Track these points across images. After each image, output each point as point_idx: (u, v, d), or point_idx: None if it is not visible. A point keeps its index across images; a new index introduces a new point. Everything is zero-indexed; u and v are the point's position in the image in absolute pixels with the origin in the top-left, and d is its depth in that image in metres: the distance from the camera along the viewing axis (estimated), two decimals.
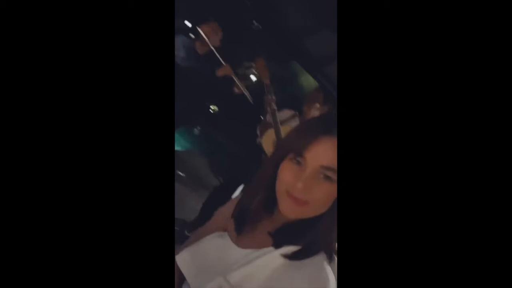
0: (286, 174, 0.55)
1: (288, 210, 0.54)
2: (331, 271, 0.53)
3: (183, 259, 0.62)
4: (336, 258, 0.56)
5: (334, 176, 0.51)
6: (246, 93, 2.16)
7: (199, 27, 1.95)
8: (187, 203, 2.44)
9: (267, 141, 2.11)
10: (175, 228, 2.17)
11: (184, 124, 3.02)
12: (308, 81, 2.86)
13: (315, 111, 2.15)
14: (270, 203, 0.59)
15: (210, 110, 3.11)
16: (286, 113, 2.17)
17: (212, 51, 1.97)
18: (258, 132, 2.23)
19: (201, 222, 2.21)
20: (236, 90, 2.22)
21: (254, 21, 2.77)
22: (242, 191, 0.68)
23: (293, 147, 0.55)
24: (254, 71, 2.22)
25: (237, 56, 2.32)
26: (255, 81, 2.45)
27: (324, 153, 0.51)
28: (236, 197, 0.71)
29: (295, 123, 2.18)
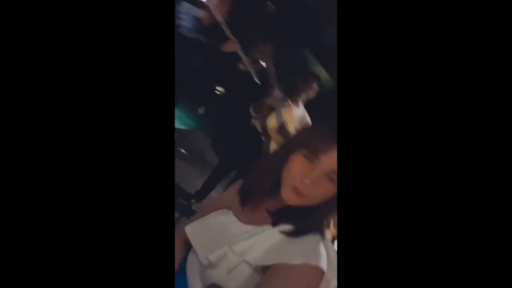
0: (296, 167, 0.58)
1: (289, 197, 0.58)
2: (323, 248, 0.58)
3: (191, 231, 0.66)
4: (328, 237, 0.62)
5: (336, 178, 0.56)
6: (252, 71, 2.04)
7: None
8: (188, 179, 2.48)
9: (271, 123, 2.07)
10: (181, 200, 2.21)
11: (189, 101, 3.00)
12: (316, 70, 2.84)
13: (310, 94, 2.14)
14: (274, 186, 0.63)
15: (216, 91, 3.09)
16: (278, 95, 2.13)
17: (218, 23, 1.79)
18: (252, 112, 2.12)
19: (200, 198, 2.26)
20: (241, 66, 2.08)
21: (268, 1, 2.70)
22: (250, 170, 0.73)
23: (309, 144, 0.58)
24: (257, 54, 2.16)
25: (245, 32, 2.22)
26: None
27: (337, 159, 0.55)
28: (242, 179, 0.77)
29: (287, 103, 2.13)
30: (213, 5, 1.71)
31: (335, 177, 0.55)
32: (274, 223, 0.62)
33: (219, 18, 1.74)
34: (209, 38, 1.85)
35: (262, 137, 2.11)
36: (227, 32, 1.85)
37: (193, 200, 2.16)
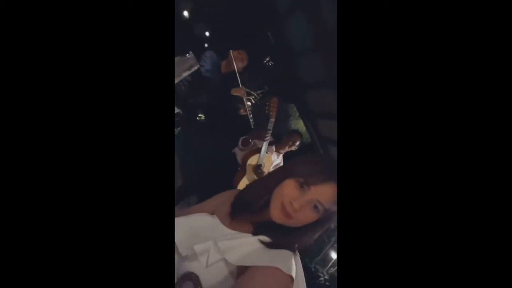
0: (289, 190, 0.65)
1: (276, 216, 0.65)
2: (294, 262, 0.64)
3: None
4: (298, 255, 0.68)
5: (321, 210, 0.64)
6: (251, 117, 2.33)
7: (232, 50, 2.18)
8: None
9: (252, 161, 2.29)
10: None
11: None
12: (297, 125, 3.05)
13: (292, 148, 2.43)
14: (265, 205, 0.69)
15: (197, 117, 3.13)
16: (270, 140, 2.35)
17: (234, 72, 2.18)
18: (239, 143, 2.39)
19: None
20: (242, 111, 2.39)
21: (267, 58, 3.00)
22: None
23: (304, 174, 0.66)
24: (250, 104, 2.42)
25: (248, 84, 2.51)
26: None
27: (324, 193, 0.64)
28: (235, 190, 0.83)
29: (271, 149, 2.41)
30: (234, 58, 2.13)
31: (319, 206, 0.63)
32: (255, 233, 0.69)
33: (236, 68, 2.12)
34: (223, 81, 2.13)
35: (239, 168, 2.21)
36: (239, 80, 2.19)
37: None
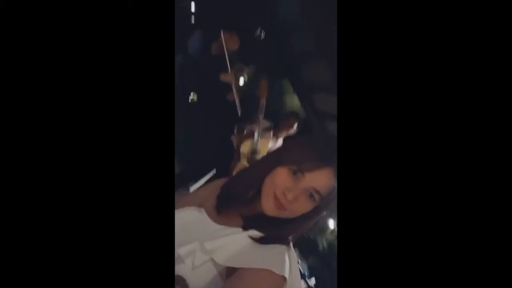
0: (281, 179, 0.60)
1: (268, 208, 0.60)
2: (288, 258, 0.60)
3: None
4: (292, 248, 0.64)
5: (318, 198, 0.59)
6: (238, 105, 2.25)
7: (223, 32, 2.05)
8: None
9: (245, 147, 2.23)
10: None
11: None
12: (292, 101, 2.99)
13: (290, 132, 2.35)
14: (254, 194, 0.64)
15: (189, 98, 3.04)
16: (264, 123, 2.29)
17: (224, 56, 2.10)
18: (235, 131, 2.33)
19: None
20: (230, 97, 2.29)
21: (259, 29, 2.84)
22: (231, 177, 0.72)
23: (296, 160, 0.60)
24: (243, 80, 2.33)
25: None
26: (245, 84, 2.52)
27: (320, 179, 0.59)
28: (223, 179, 0.74)
29: (268, 134, 2.32)
30: (225, 40, 2.01)
31: (316, 195, 0.58)
32: (245, 227, 0.63)
33: (226, 51, 2.02)
34: (212, 65, 1.99)
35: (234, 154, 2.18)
36: (229, 65, 2.09)
37: None
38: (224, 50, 2.04)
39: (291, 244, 0.64)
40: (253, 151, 2.19)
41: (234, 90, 2.16)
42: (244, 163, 2.19)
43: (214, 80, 2.16)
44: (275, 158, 0.64)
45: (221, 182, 0.73)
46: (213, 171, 2.30)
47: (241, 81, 2.57)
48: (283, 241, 0.62)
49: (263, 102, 2.13)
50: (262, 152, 2.22)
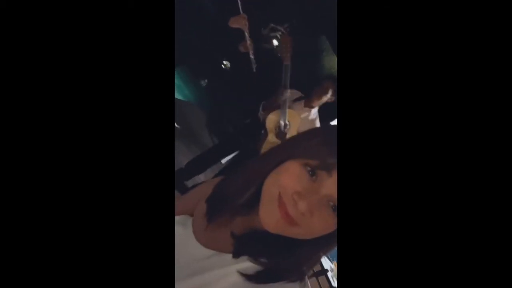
0: (291, 178, 0.40)
1: (269, 221, 0.40)
2: None
3: None
4: (308, 282, 0.45)
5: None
6: (252, 56, 1.89)
7: None
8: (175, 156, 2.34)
9: (270, 121, 1.91)
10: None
11: (191, 70, 2.84)
12: (332, 62, 2.67)
13: (324, 99, 1.95)
14: (253, 199, 0.44)
15: (222, 65, 2.91)
16: (294, 94, 1.96)
17: None
18: (260, 109, 1.99)
19: (184, 178, 2.13)
20: (242, 48, 1.92)
21: None
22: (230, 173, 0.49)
23: (316, 155, 0.40)
24: (277, 42, 1.96)
25: (260, 16, 2.05)
26: (276, 47, 2.24)
27: None
28: (215, 179, 0.56)
29: (299, 105, 1.98)
30: None
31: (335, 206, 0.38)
32: (236, 253, 0.44)
33: None
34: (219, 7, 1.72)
35: (262, 132, 1.96)
36: (240, 5, 1.70)
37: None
38: None
39: (306, 279, 0.44)
40: (280, 127, 1.87)
41: (247, 37, 1.77)
42: (272, 139, 1.89)
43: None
44: (284, 150, 0.44)
45: (213, 182, 0.53)
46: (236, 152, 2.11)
47: (275, 43, 2.31)
48: (293, 275, 0.42)
49: (286, 62, 1.74)
50: (294, 125, 1.89)
